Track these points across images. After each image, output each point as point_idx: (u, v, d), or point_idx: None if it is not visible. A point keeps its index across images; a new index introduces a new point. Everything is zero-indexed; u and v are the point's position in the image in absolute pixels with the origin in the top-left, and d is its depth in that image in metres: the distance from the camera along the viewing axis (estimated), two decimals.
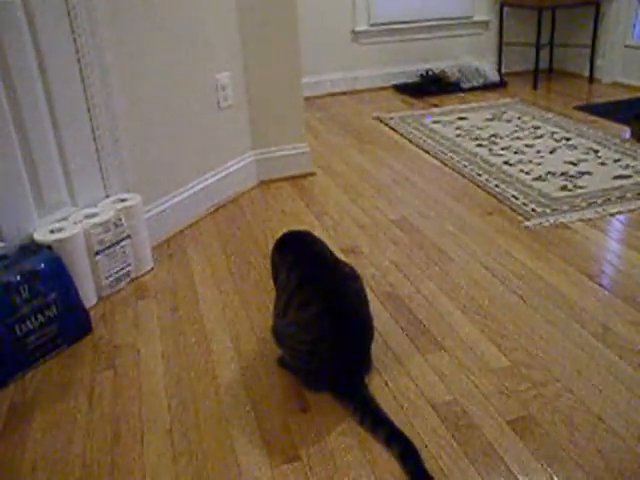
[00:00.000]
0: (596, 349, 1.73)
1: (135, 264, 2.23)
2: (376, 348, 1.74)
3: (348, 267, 1.65)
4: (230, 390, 1.65)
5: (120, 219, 2.13)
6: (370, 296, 1.77)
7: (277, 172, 3.11)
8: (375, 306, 1.96)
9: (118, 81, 2.21)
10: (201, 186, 2.72)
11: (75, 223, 2.03)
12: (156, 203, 2.48)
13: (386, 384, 1.63)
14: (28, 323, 1.75)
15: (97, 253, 2.06)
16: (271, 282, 2.16)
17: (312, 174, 3.16)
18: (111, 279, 2.14)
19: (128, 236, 2.18)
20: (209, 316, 1.99)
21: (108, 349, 1.86)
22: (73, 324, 1.88)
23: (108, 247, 2.10)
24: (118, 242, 2.14)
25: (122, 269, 2.17)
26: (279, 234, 1.77)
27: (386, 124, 3.98)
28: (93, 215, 2.10)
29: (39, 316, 1.78)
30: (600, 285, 2.04)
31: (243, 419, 1.55)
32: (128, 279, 2.21)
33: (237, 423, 1.53)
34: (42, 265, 1.81)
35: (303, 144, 3.14)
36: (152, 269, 2.30)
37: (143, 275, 2.26)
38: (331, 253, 1.68)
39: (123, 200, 2.21)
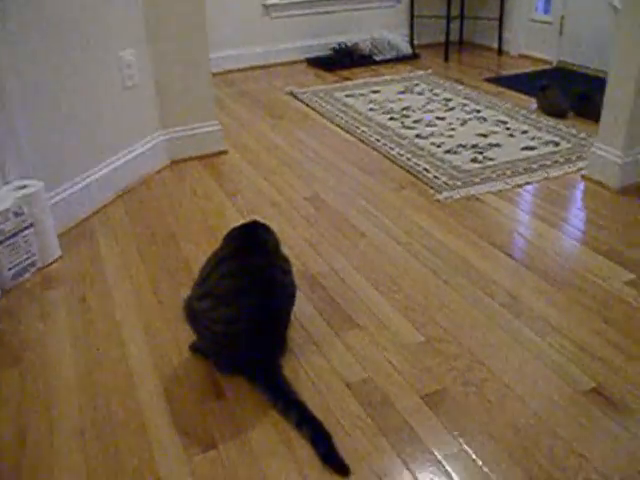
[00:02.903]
0: (505, 319, 1.77)
1: (40, 253, 2.14)
2: (290, 329, 1.73)
3: (286, 262, 1.66)
4: (143, 381, 1.61)
5: (20, 207, 2.03)
6: None
7: (188, 151, 3.04)
8: None
9: (10, 59, 2.09)
10: (108, 169, 2.62)
11: None
12: (61, 189, 2.37)
13: (301, 365, 1.63)
14: None
15: None
16: (183, 267, 2.12)
17: (224, 152, 3.10)
18: (14, 271, 2.04)
19: (31, 225, 2.08)
20: (120, 305, 1.93)
21: (13, 345, 1.77)
22: None
23: (8, 237, 2.00)
24: (20, 231, 2.04)
25: (26, 259, 2.08)
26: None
27: (299, 99, 3.94)
28: None
29: None
30: (509, 256, 2.09)
31: (157, 410, 1.51)
32: (34, 269, 2.12)
33: (151, 415, 1.50)
34: None
35: (214, 122, 3.07)
36: (59, 258, 2.21)
37: (50, 264, 2.17)
38: (276, 246, 1.66)
39: (23, 187, 2.10)
